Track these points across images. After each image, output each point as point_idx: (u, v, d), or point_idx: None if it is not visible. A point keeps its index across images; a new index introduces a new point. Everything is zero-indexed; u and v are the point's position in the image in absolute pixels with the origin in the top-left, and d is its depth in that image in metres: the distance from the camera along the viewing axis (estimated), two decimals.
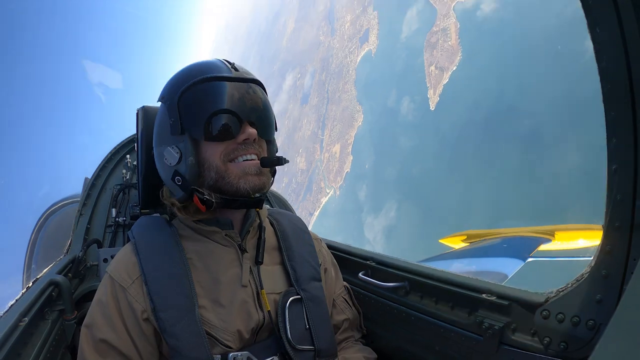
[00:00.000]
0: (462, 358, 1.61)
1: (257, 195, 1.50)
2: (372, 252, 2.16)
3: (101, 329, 1.40)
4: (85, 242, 2.58)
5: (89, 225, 2.76)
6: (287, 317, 1.51)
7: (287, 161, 1.54)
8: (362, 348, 1.81)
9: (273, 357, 1.49)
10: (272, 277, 1.59)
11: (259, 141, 1.51)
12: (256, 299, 1.50)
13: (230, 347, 1.41)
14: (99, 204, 2.87)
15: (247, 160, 1.46)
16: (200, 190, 1.46)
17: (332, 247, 2.36)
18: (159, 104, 1.55)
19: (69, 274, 2.24)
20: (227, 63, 1.51)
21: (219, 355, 1.39)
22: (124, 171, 2.97)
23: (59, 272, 2.09)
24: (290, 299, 1.55)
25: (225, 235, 1.54)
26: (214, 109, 1.42)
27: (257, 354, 1.45)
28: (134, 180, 2.86)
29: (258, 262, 1.56)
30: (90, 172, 3.05)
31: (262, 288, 1.52)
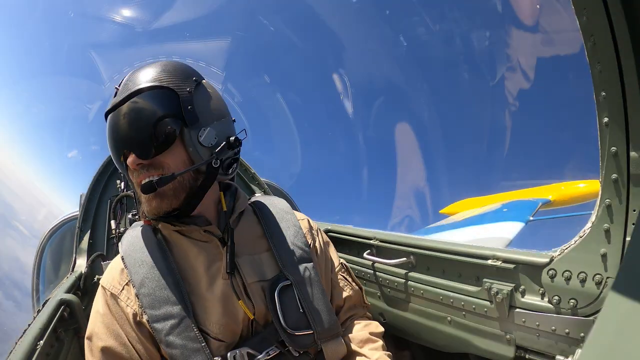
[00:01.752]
0: (474, 326, 1.62)
1: (164, 214, 1.50)
2: (375, 231, 2.17)
3: (101, 338, 1.41)
4: (89, 258, 2.57)
5: (91, 240, 2.76)
6: (277, 304, 1.49)
7: (167, 180, 1.42)
8: (367, 323, 1.79)
9: (272, 347, 1.48)
10: (259, 265, 1.57)
11: (156, 159, 1.44)
12: (243, 290, 1.49)
13: (223, 341, 1.41)
14: (98, 218, 2.86)
15: (139, 183, 1.46)
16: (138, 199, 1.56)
17: (333, 230, 2.37)
18: None
19: (78, 292, 2.24)
20: (119, 83, 1.51)
21: (219, 358, 1.39)
22: (118, 181, 2.95)
23: (68, 291, 2.08)
24: (280, 285, 1.53)
25: (205, 231, 1.53)
26: (109, 141, 1.48)
27: (257, 347, 1.45)
28: (129, 190, 2.84)
29: (228, 272, 1.47)
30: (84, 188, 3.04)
31: (247, 281, 1.50)
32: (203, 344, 1.37)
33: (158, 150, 1.43)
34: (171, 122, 1.44)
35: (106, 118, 1.48)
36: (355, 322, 1.78)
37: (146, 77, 1.45)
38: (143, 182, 1.41)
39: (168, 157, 1.45)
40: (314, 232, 1.83)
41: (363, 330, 1.72)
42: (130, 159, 1.41)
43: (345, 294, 1.79)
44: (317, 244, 1.78)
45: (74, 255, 2.68)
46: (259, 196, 1.94)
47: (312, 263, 1.64)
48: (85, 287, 2.38)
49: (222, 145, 1.52)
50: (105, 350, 1.39)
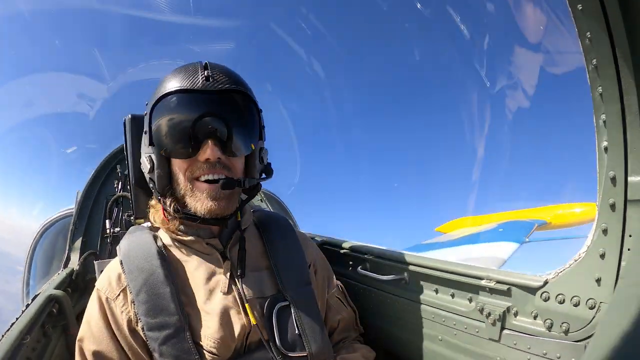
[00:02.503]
0: (465, 346, 1.60)
1: (223, 217, 1.50)
2: (370, 246, 2.16)
3: (93, 341, 1.40)
4: (81, 256, 2.56)
5: (84, 239, 2.74)
6: (274, 324, 1.48)
7: (256, 181, 1.54)
8: (360, 346, 1.79)
9: None
10: (259, 282, 1.56)
11: (229, 159, 1.47)
12: (241, 306, 1.48)
13: (217, 355, 1.39)
14: (93, 216, 2.85)
15: (208, 181, 1.44)
16: (164, 201, 1.49)
17: (328, 244, 2.35)
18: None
19: (68, 289, 2.22)
20: (202, 70, 1.44)
21: None
22: (115, 182, 2.94)
23: (58, 287, 2.06)
24: (278, 305, 1.52)
25: (207, 244, 1.53)
26: (173, 127, 1.41)
27: None
28: (126, 190, 2.83)
29: (239, 275, 1.51)
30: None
31: (246, 298, 1.48)
32: (197, 357, 1.35)
33: (238, 153, 1.48)
34: (256, 132, 1.54)
35: (179, 94, 1.42)
36: (348, 345, 1.77)
37: (237, 80, 1.49)
38: (214, 177, 1.43)
39: (237, 162, 1.50)
40: (314, 252, 1.83)
41: (355, 353, 1.71)
42: (213, 150, 1.40)
43: (339, 316, 1.79)
44: (316, 265, 1.78)
45: (67, 251, 2.66)
46: (258, 208, 1.93)
47: (310, 285, 1.64)
48: (76, 285, 2.36)
49: (267, 164, 1.61)
50: (96, 354, 1.38)
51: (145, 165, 1.49)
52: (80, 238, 2.73)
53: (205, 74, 1.42)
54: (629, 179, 1.12)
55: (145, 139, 1.50)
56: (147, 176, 1.53)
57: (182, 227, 1.54)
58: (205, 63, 1.47)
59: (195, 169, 1.43)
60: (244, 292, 1.49)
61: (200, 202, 1.43)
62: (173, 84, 1.42)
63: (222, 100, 1.43)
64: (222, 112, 1.42)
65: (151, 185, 1.52)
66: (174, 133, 1.41)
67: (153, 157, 1.46)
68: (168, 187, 1.49)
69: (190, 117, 1.39)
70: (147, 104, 1.51)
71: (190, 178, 1.44)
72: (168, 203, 1.48)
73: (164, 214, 1.55)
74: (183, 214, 1.47)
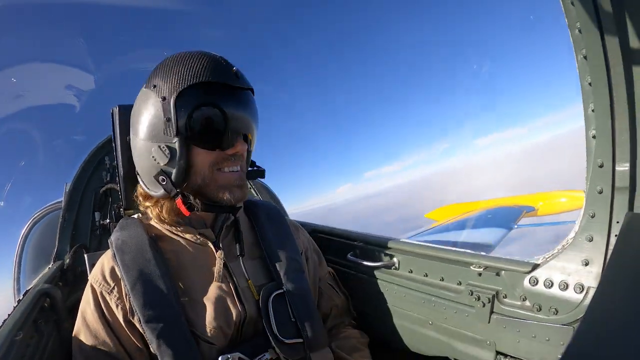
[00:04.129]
0: (455, 330, 1.63)
1: (239, 205, 1.54)
2: (359, 233, 2.17)
3: (89, 335, 1.40)
4: (71, 249, 2.54)
5: (74, 232, 2.72)
6: (270, 312, 1.50)
7: (263, 170, 1.65)
8: (353, 332, 1.82)
9: (264, 354, 1.47)
10: (251, 270, 1.58)
11: (245, 152, 1.51)
12: (235, 294, 1.49)
13: (213, 344, 1.40)
14: (82, 208, 2.83)
15: (232, 171, 1.47)
16: (186, 194, 1.46)
17: (318, 231, 2.37)
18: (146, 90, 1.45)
19: (59, 283, 2.21)
20: (228, 65, 1.43)
21: None
22: (104, 173, 2.92)
23: (49, 282, 2.05)
24: (274, 294, 1.54)
25: (199, 234, 1.54)
26: (214, 120, 1.38)
27: (248, 353, 1.45)
28: (115, 182, 2.81)
29: (240, 255, 1.56)
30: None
31: (240, 286, 1.51)
32: (194, 347, 1.36)
33: (252, 147, 1.58)
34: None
35: (217, 87, 1.40)
36: (342, 330, 1.80)
37: (247, 80, 1.49)
38: (237, 168, 1.49)
39: (246, 154, 1.55)
40: (304, 239, 1.85)
41: (349, 339, 1.73)
42: (243, 145, 1.45)
43: (332, 303, 1.81)
44: (307, 252, 1.80)
45: (56, 245, 2.64)
46: (249, 199, 1.93)
47: (303, 273, 1.66)
48: (67, 278, 2.34)
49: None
50: (93, 348, 1.38)
51: (162, 157, 1.41)
52: (70, 231, 2.71)
53: (234, 70, 1.42)
54: (616, 167, 1.15)
55: (159, 128, 1.40)
56: (154, 168, 1.45)
57: (178, 219, 1.55)
58: (226, 61, 1.45)
59: (221, 161, 1.44)
60: (237, 280, 1.51)
61: (228, 191, 1.46)
62: (205, 73, 1.36)
63: (249, 98, 1.47)
64: (251, 110, 1.47)
65: (161, 177, 1.44)
66: (211, 125, 1.38)
67: (176, 146, 1.38)
68: (184, 178, 1.45)
69: (230, 111, 1.39)
70: (155, 85, 1.40)
71: (214, 169, 1.44)
72: (190, 197, 1.47)
73: (160, 209, 1.54)
74: (204, 204, 1.48)
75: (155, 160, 1.43)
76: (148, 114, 1.42)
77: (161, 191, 1.46)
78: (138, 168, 1.53)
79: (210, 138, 1.40)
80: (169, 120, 1.37)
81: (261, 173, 1.61)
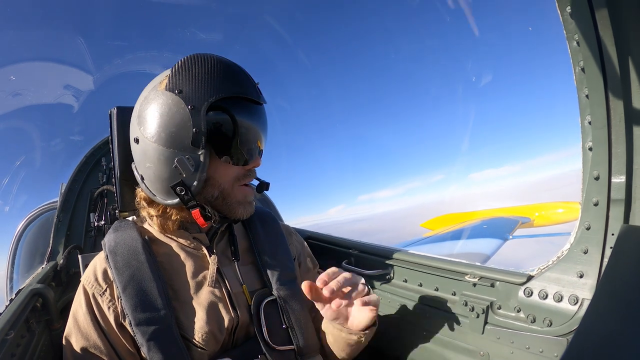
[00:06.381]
0: (448, 340, 1.62)
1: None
2: (355, 241, 2.17)
3: (80, 337, 1.38)
4: (65, 249, 2.53)
5: (68, 232, 2.71)
6: (262, 318, 1.49)
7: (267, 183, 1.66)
8: None
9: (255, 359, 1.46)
10: (245, 276, 1.57)
11: None
12: (227, 300, 1.48)
13: (205, 349, 1.39)
14: (77, 209, 2.82)
15: (247, 185, 1.51)
16: (204, 205, 1.45)
17: (313, 238, 2.36)
18: (159, 94, 1.38)
19: (52, 283, 2.19)
20: (252, 80, 1.44)
21: None
22: (100, 174, 2.91)
23: (42, 282, 2.03)
24: (265, 300, 1.53)
25: (194, 238, 1.54)
26: (246, 136, 1.40)
27: (239, 359, 1.43)
28: (111, 183, 2.80)
29: (235, 259, 1.57)
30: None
31: (233, 292, 1.50)
32: (185, 351, 1.35)
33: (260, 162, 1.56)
34: None
35: (247, 103, 1.42)
36: None
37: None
38: (254, 183, 1.57)
39: None
40: (297, 244, 1.84)
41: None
42: (259, 161, 1.49)
43: None
44: (300, 257, 1.79)
45: (50, 245, 2.63)
46: None
47: (296, 280, 1.66)
48: (60, 279, 2.33)
49: None
50: (84, 350, 1.36)
51: (187, 168, 1.35)
52: (65, 231, 2.69)
53: (257, 84, 1.45)
54: (612, 179, 1.15)
55: (187, 138, 1.33)
56: (173, 178, 1.40)
57: (176, 224, 1.54)
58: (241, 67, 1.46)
59: (243, 176, 1.47)
60: (230, 285, 1.50)
61: (242, 206, 1.50)
62: (235, 87, 1.34)
63: (265, 114, 1.51)
64: (266, 125, 1.51)
65: (179, 188, 1.39)
66: (244, 141, 1.39)
67: (201, 158, 1.34)
68: (201, 190, 1.43)
69: (257, 127, 1.44)
70: (181, 91, 1.32)
71: (233, 184, 1.46)
72: (208, 209, 1.47)
73: (165, 219, 1.53)
74: (219, 216, 1.50)
75: (178, 170, 1.37)
76: (171, 120, 1.33)
77: (176, 200, 1.42)
78: (146, 173, 1.46)
79: (241, 153, 1.41)
80: (198, 131, 1.31)
81: (267, 186, 1.62)
